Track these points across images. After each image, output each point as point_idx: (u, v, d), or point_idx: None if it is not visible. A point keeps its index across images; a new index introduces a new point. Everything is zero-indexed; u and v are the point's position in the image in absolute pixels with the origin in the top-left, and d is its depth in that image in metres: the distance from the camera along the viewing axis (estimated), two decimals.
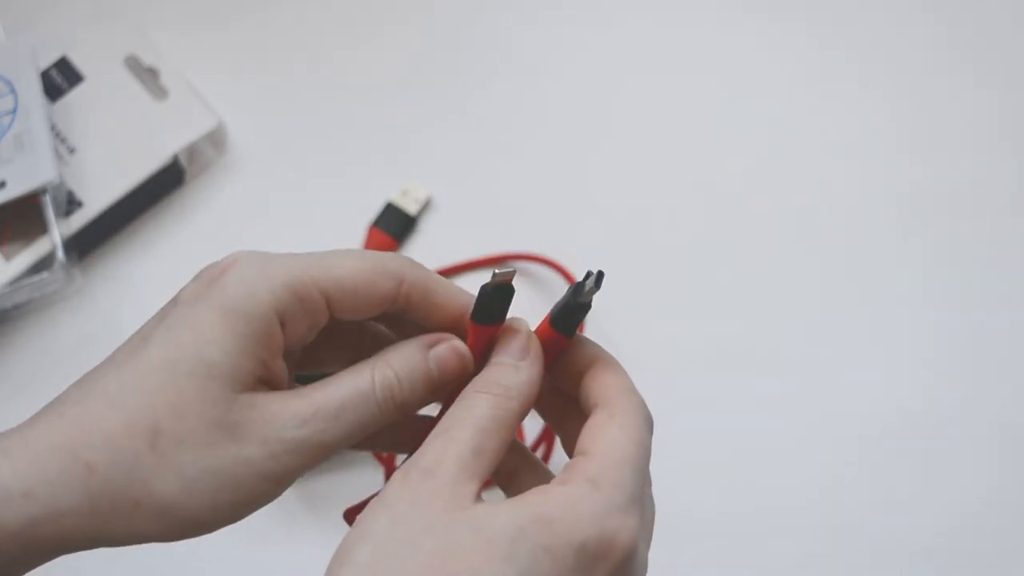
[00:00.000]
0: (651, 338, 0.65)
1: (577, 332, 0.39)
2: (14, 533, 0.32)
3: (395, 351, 0.37)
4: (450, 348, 0.38)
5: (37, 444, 0.33)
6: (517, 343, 0.37)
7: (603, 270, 0.37)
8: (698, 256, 0.67)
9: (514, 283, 0.38)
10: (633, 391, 0.37)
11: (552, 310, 0.38)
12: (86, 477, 0.33)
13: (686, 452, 0.62)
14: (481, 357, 0.38)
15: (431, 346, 0.38)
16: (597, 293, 0.37)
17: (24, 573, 0.34)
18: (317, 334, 0.37)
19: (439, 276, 0.38)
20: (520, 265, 0.66)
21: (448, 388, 0.38)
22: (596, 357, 0.38)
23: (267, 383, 0.36)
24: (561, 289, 0.65)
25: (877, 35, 0.72)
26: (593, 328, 0.64)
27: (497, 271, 0.37)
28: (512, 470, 0.39)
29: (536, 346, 0.37)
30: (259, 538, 0.60)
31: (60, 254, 0.63)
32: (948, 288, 0.67)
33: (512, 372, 0.37)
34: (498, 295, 0.37)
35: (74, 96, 0.68)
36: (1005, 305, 0.66)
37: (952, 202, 0.68)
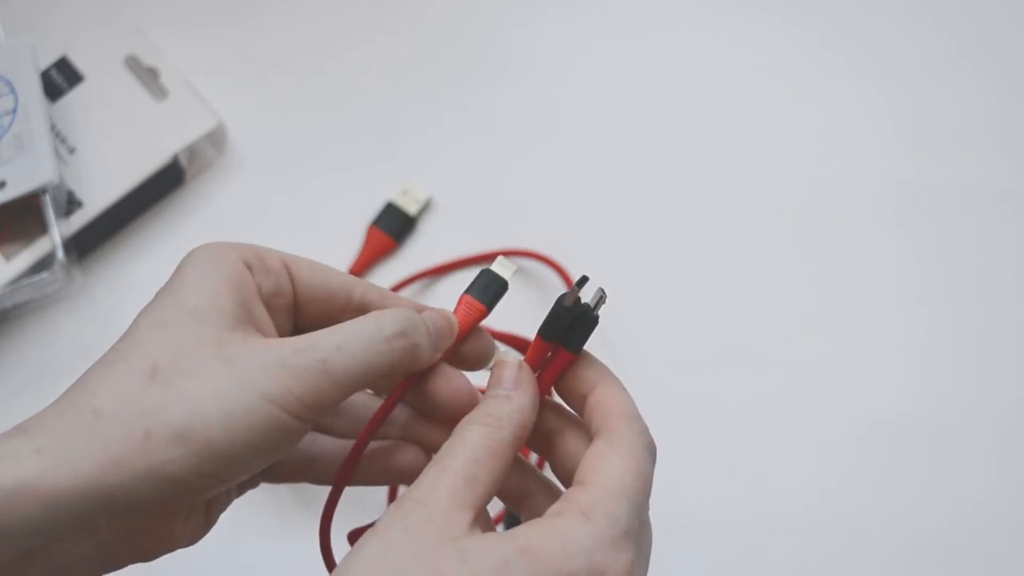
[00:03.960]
0: (650, 336, 0.65)
1: (584, 350, 0.39)
2: (31, 487, 0.32)
3: (388, 310, 0.38)
4: (434, 310, 0.39)
5: (48, 413, 0.34)
6: (508, 374, 0.38)
7: (587, 275, 0.37)
8: (695, 255, 0.67)
9: (511, 280, 0.40)
10: (635, 417, 0.37)
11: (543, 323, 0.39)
12: (95, 422, 0.33)
13: (683, 450, 0.62)
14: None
15: (419, 311, 0.39)
16: (603, 306, 0.38)
17: (46, 549, 0.33)
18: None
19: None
20: (519, 262, 0.66)
21: (441, 351, 0.39)
22: (600, 378, 0.38)
23: (257, 330, 0.37)
24: (558, 288, 0.65)
25: (874, 32, 0.72)
26: None
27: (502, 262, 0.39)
28: (524, 493, 0.39)
29: (527, 376, 0.38)
30: (255, 535, 0.60)
31: (60, 254, 0.63)
32: (947, 286, 0.67)
33: (503, 402, 0.37)
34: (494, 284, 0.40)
35: (74, 96, 0.68)
36: (1003, 304, 0.66)
37: (951, 200, 0.68)
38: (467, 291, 0.40)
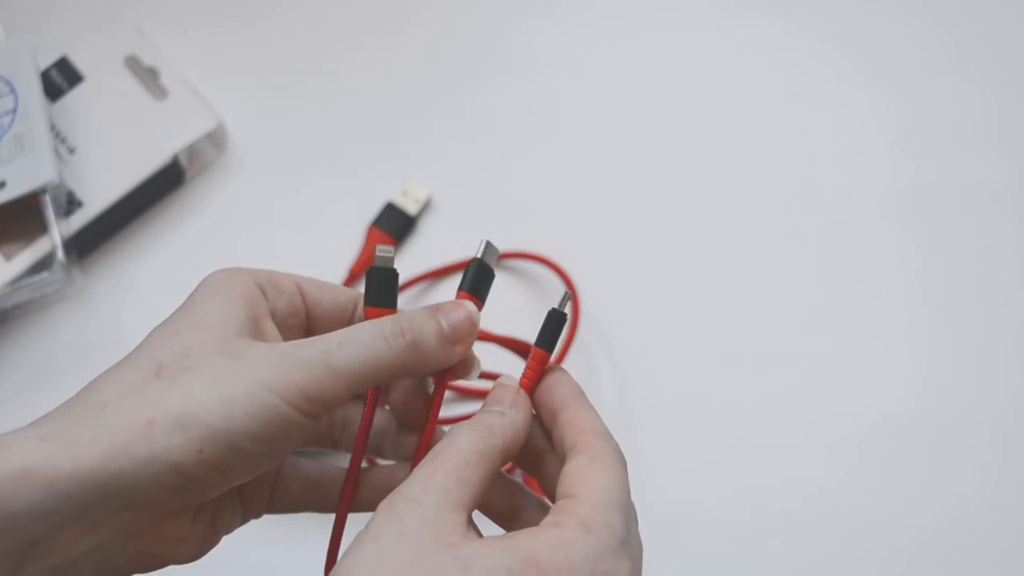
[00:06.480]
0: (650, 336, 0.65)
1: (557, 365, 0.40)
2: (33, 471, 0.33)
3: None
4: (448, 302, 0.39)
5: (56, 409, 0.35)
6: (506, 396, 0.39)
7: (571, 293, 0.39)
8: (695, 255, 0.67)
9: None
10: (608, 435, 0.38)
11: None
12: (99, 412, 0.34)
13: (683, 450, 0.62)
14: None
15: (434, 311, 0.39)
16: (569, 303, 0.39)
17: (50, 539, 0.34)
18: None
19: None
20: (519, 264, 0.66)
21: (460, 344, 0.39)
22: (571, 397, 0.39)
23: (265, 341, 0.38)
24: (558, 289, 0.65)
25: (874, 32, 0.72)
26: (591, 328, 0.64)
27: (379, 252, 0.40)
28: (515, 511, 0.40)
29: (523, 399, 0.39)
30: (258, 538, 0.60)
31: (60, 254, 0.63)
32: (948, 287, 0.66)
33: (497, 416, 0.38)
34: (380, 276, 0.40)
35: (74, 96, 0.68)
36: (1004, 304, 0.66)
37: (951, 200, 0.68)
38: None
